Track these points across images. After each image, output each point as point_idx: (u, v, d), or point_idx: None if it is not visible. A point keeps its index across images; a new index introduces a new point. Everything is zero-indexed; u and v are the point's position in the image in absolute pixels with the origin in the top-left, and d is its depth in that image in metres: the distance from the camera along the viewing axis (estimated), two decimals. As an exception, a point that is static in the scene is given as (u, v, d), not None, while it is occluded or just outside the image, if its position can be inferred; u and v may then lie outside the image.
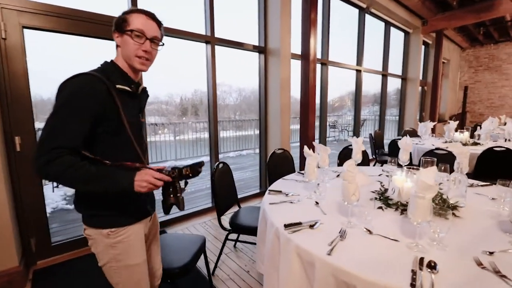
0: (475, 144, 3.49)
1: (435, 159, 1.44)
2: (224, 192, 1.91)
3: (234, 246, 2.28)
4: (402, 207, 1.30)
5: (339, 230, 1.10)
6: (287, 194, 1.53)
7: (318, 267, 0.92)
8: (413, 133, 5.03)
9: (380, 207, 1.35)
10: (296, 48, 3.43)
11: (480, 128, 3.86)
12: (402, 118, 6.92)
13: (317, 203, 1.40)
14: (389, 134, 8.14)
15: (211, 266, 1.90)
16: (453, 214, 1.23)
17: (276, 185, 1.77)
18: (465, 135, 3.65)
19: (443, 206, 1.27)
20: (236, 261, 2.05)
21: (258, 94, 3.47)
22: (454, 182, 1.37)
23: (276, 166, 2.40)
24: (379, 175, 1.99)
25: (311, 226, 1.13)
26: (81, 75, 0.89)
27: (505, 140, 3.57)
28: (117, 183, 0.88)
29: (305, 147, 1.53)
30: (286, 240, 1.07)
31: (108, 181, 0.87)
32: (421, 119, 7.39)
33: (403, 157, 1.95)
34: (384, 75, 5.87)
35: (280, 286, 1.08)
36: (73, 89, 0.87)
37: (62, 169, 0.82)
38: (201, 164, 0.99)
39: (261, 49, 3.31)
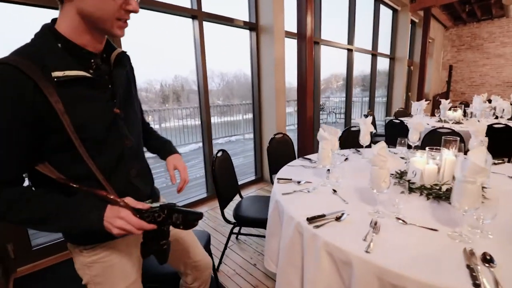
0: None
1: (458, 138, 1.34)
2: (225, 183, 1.76)
3: (237, 238, 2.15)
4: (426, 191, 1.21)
5: (369, 221, 0.98)
6: (299, 182, 1.40)
7: (356, 267, 0.80)
8: (404, 113, 5.04)
9: (402, 192, 1.25)
10: (288, 26, 3.21)
11: (468, 106, 3.90)
12: (390, 98, 6.94)
13: (334, 191, 1.27)
14: (377, 116, 8.20)
15: (215, 262, 1.77)
16: (483, 196, 1.15)
17: (283, 172, 1.63)
18: (458, 113, 3.65)
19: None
20: (241, 254, 1.93)
21: (251, 75, 3.26)
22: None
23: (276, 152, 2.26)
24: (388, 157, 1.89)
25: (338, 219, 1.00)
26: None
27: (496, 117, 3.61)
28: (82, 218, 0.63)
29: (321, 130, 1.39)
30: (312, 236, 0.94)
31: (71, 216, 0.63)
32: (407, 99, 7.46)
33: (414, 137, 1.87)
34: (374, 54, 5.78)
35: (306, 286, 0.96)
36: None
37: (2, 210, 0.60)
38: (199, 216, 0.71)
39: (253, 26, 3.07)
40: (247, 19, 3.09)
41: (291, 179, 1.45)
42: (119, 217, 0.63)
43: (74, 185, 0.66)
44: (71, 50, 0.65)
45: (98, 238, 0.77)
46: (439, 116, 3.93)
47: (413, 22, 7.09)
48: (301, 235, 1.01)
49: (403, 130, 3.21)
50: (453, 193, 0.86)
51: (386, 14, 6.20)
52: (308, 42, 2.63)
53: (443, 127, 2.49)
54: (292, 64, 3.22)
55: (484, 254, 0.76)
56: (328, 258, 0.89)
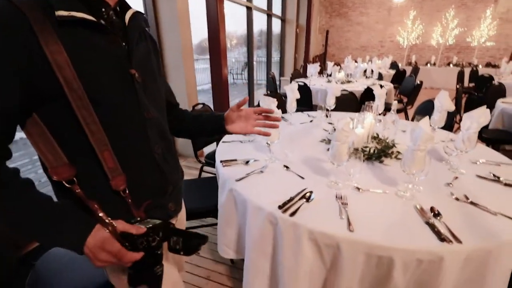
0: (349, 82, 4.19)
1: (375, 102, 1.52)
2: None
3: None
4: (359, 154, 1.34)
5: (334, 195, 0.99)
6: (247, 162, 1.28)
7: (344, 248, 0.79)
8: (299, 74, 5.52)
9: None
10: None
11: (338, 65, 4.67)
12: (283, 59, 7.43)
13: (286, 167, 1.23)
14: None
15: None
16: (398, 152, 1.38)
17: (222, 151, 1.45)
18: (342, 74, 4.30)
19: (386, 149, 1.39)
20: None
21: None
22: (392, 122, 1.52)
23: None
24: (311, 121, 2.00)
25: (307, 200, 0.96)
26: None
27: (366, 77, 4.47)
28: (59, 237, 0.54)
29: (267, 99, 1.26)
30: (291, 225, 0.87)
31: (50, 232, 0.53)
32: (295, 61, 8.21)
33: (331, 102, 2.02)
34: (269, 14, 5.85)
35: (285, 275, 0.91)
36: None
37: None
38: (203, 241, 0.62)
39: (143, -35, 2.38)
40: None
41: (236, 160, 1.31)
42: (103, 249, 0.54)
43: (67, 185, 0.56)
44: None
45: None
46: (326, 76, 4.53)
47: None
48: (274, 225, 0.93)
49: (307, 92, 3.53)
50: (404, 160, 0.96)
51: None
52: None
53: (346, 90, 2.83)
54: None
55: (432, 209, 0.90)
56: (310, 244, 0.86)
